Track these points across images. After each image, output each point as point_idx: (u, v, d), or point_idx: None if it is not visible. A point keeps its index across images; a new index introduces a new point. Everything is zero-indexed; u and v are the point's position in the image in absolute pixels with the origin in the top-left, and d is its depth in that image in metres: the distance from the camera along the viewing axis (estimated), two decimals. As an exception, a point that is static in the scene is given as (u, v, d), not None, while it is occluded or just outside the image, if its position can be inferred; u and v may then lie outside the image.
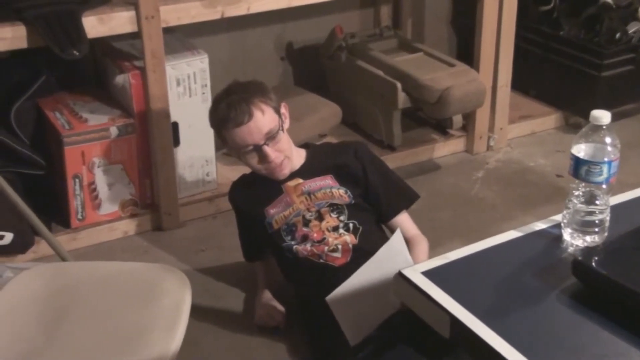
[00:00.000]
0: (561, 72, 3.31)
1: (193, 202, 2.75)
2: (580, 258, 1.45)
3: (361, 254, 2.01)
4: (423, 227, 2.26)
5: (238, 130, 2.07)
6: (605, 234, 1.54)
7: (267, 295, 2.23)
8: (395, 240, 2.00)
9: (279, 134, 2.09)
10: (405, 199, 2.26)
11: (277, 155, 2.10)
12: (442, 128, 3.21)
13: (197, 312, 1.78)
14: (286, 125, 2.16)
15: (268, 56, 3.30)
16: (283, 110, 2.16)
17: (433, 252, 2.12)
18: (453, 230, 2.64)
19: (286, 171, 2.15)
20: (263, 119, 2.07)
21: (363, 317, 1.90)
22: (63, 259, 2.12)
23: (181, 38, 2.77)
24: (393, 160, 2.95)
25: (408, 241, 2.12)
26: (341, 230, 2.09)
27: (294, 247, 2.09)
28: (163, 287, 1.64)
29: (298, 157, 2.20)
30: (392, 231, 2.11)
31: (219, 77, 2.72)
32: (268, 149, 2.08)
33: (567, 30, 3.31)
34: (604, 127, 1.52)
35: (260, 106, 2.07)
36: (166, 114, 2.57)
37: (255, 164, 2.13)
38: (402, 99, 2.92)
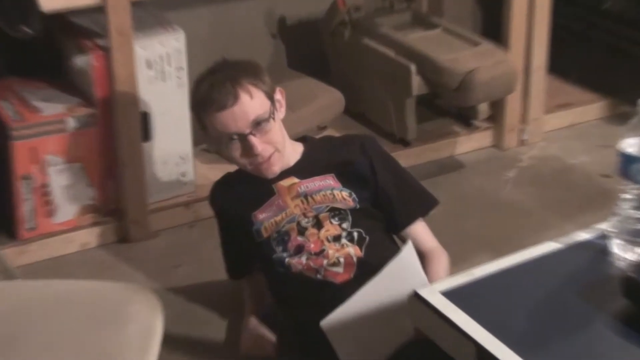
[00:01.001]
0: (606, 52, 3.31)
1: (166, 207, 2.76)
2: (631, 274, 1.45)
3: (367, 269, 2.00)
4: (443, 238, 2.25)
5: (220, 114, 2.06)
6: (662, 246, 1.54)
7: (255, 321, 2.22)
8: (406, 254, 2.00)
9: (269, 122, 2.09)
10: (422, 204, 2.26)
11: (265, 147, 2.10)
12: (466, 119, 3.23)
13: (170, 341, 1.76)
14: (280, 114, 2.16)
15: (256, 33, 3.31)
16: (278, 96, 2.17)
17: (455, 267, 2.11)
18: (479, 242, 2.65)
19: (276, 168, 2.15)
20: (251, 103, 2.06)
21: (367, 346, 1.90)
22: (10, 277, 2.12)
23: (153, 12, 2.77)
24: (406, 158, 2.95)
25: (424, 255, 2.12)
26: (344, 241, 2.08)
27: (286, 259, 2.08)
28: (129, 311, 1.64)
29: (293, 153, 2.20)
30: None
31: (197, 58, 2.70)
32: (254, 140, 2.08)
33: (613, 3, 3.31)
34: (659, 117, 1.52)
35: (248, 88, 2.07)
36: (134, 102, 2.57)
37: (238, 158, 2.12)
38: (416, 84, 2.92)
